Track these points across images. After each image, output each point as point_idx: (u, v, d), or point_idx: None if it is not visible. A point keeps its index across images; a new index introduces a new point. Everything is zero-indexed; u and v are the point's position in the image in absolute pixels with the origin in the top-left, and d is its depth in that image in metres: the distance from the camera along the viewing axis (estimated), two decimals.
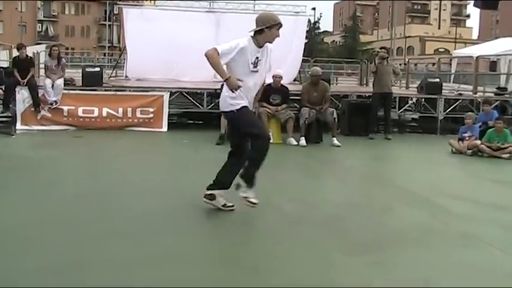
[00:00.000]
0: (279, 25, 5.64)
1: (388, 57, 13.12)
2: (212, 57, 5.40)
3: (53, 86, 12.37)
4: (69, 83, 13.22)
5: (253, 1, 20.87)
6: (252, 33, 5.65)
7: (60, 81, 12.50)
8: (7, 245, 4.71)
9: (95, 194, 6.60)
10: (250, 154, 5.74)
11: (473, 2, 14.77)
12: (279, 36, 5.68)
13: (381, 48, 13.97)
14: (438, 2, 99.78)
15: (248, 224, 5.59)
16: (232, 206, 5.92)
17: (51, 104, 12.31)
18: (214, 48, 5.43)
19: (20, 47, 13.01)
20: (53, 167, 8.40)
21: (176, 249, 4.74)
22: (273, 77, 11.72)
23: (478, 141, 10.65)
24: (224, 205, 5.92)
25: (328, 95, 11.79)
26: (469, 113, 12.14)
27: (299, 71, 18.09)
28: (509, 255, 4.91)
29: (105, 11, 73.50)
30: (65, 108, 12.43)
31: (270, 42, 5.71)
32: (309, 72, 13.24)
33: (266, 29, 5.60)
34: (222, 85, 5.81)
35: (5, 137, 9.71)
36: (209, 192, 5.93)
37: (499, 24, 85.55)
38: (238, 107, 5.62)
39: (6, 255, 4.46)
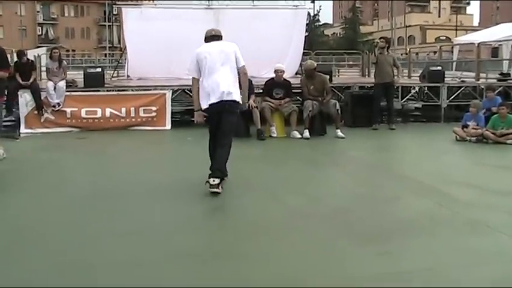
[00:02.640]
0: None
1: (388, 47, 13.07)
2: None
3: (55, 88, 12.41)
4: (71, 85, 13.23)
5: None
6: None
7: (62, 83, 12.52)
8: (13, 246, 4.73)
9: (101, 195, 6.60)
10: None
11: None
12: None
13: (380, 39, 13.92)
14: None
15: (253, 219, 5.59)
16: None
17: (54, 107, 12.34)
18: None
19: (21, 55, 12.90)
20: (58, 169, 8.42)
21: (185, 246, 4.75)
22: (275, 71, 11.73)
23: (483, 128, 10.62)
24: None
25: (327, 87, 11.74)
26: (475, 100, 12.06)
27: (300, 64, 18.04)
28: None
29: (105, 12, 73.29)
30: (68, 110, 12.45)
31: None
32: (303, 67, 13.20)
33: None
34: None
35: (9, 140, 9.73)
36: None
37: (499, 10, 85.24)
38: None
39: (13, 256, 4.48)
